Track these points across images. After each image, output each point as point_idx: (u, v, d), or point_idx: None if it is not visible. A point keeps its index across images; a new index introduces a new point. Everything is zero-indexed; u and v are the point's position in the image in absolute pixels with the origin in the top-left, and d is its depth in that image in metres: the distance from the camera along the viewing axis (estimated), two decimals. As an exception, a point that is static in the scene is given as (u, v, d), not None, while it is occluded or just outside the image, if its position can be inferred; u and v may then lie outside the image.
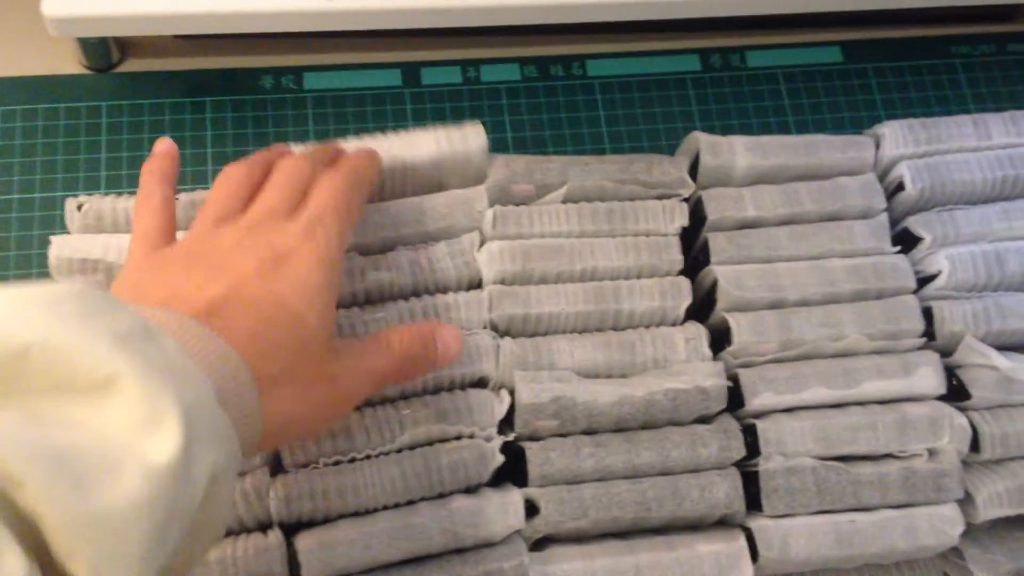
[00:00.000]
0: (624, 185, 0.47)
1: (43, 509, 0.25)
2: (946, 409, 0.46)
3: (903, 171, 0.49)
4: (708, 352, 0.46)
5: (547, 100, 0.57)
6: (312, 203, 0.39)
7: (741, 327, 0.46)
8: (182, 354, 0.30)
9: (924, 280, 0.48)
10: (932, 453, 0.45)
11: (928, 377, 0.46)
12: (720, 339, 0.47)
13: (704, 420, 0.46)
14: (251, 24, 0.53)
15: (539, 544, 0.43)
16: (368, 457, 0.42)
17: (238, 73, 0.57)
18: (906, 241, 0.49)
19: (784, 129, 0.57)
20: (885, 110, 0.58)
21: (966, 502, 0.45)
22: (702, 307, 0.48)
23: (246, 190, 0.40)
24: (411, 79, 0.57)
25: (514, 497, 0.42)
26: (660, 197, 0.48)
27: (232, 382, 0.32)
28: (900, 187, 0.49)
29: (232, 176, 0.41)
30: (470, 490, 0.43)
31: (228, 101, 0.56)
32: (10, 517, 0.25)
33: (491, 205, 0.46)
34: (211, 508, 0.29)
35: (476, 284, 0.46)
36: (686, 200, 0.48)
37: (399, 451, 0.42)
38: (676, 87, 0.58)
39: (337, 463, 0.42)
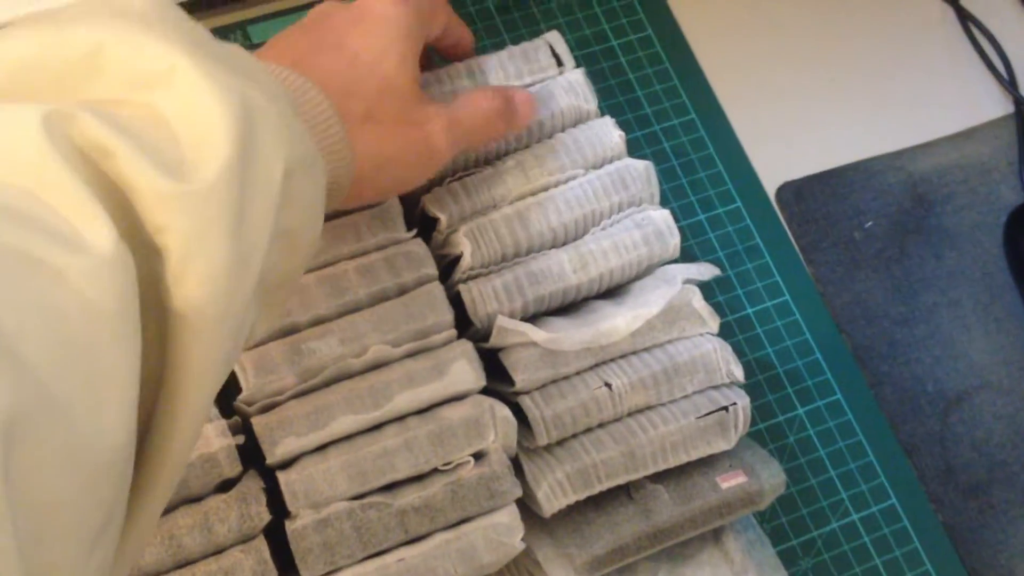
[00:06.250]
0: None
1: (134, 180, 0.26)
2: (486, 403, 0.41)
3: (405, 148, 0.44)
4: (213, 411, 0.40)
5: None
6: None
7: (247, 370, 0.40)
8: (250, 59, 0.32)
9: (451, 264, 0.44)
10: (479, 457, 0.41)
11: (464, 372, 0.41)
12: (231, 389, 0.41)
13: (226, 486, 0.40)
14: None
15: None
16: None
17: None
18: (425, 225, 0.44)
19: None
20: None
21: (530, 498, 0.41)
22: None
23: None
24: None
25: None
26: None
27: (311, 105, 0.34)
28: (406, 166, 0.44)
29: None
30: None
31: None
32: (99, 187, 0.26)
33: None
34: (294, 212, 0.31)
35: None
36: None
37: None
38: None
39: None
